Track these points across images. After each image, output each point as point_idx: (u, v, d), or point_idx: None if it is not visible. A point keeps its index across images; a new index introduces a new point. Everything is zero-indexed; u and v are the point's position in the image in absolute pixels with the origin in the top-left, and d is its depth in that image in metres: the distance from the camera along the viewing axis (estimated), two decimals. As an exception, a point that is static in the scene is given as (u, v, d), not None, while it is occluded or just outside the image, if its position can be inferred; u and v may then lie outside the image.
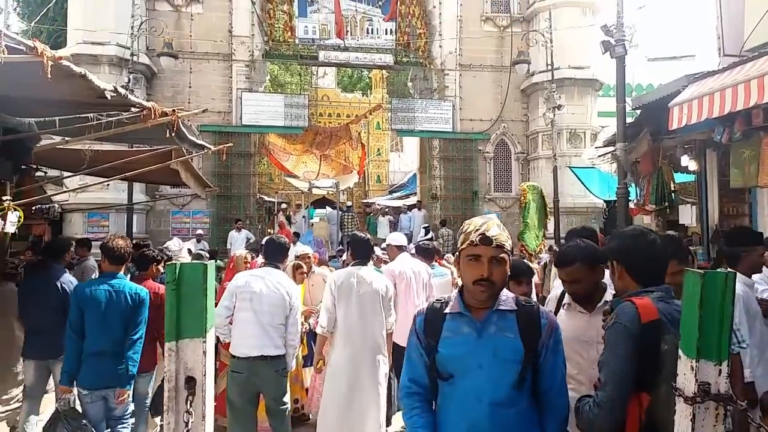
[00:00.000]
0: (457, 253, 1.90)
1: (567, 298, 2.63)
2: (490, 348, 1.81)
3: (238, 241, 12.69)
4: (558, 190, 13.19)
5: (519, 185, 14.34)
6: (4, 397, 4.82)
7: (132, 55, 12.23)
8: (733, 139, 6.44)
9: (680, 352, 1.53)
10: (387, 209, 18.51)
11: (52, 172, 8.99)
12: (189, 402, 1.28)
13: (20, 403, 4.72)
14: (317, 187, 21.18)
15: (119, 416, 3.78)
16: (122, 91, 4.16)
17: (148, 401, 4.23)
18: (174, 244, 10.16)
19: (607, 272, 2.41)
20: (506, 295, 1.89)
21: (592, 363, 2.31)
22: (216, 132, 14.28)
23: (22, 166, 6.67)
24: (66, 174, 8.95)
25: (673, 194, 8.84)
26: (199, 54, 14.65)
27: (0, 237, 5.73)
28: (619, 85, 8.98)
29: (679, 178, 9.31)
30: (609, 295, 2.48)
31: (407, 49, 15.89)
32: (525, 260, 6.52)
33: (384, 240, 9.97)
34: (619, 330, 1.83)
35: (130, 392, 3.77)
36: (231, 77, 14.85)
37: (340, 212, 16.92)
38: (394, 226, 15.89)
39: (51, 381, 4.58)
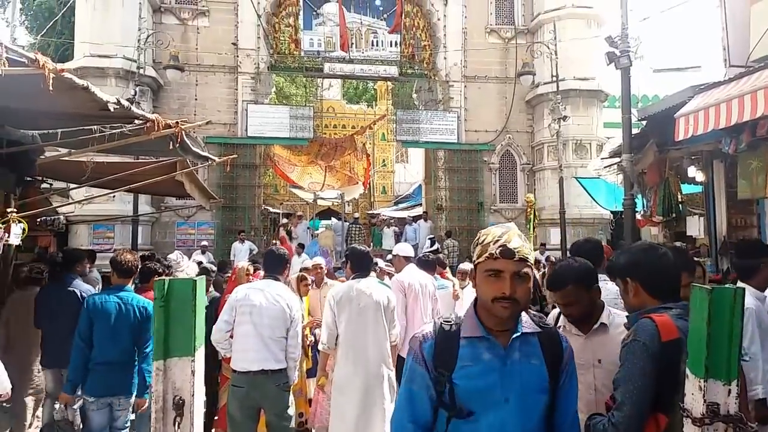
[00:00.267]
0: (472, 267, 1.69)
1: (562, 320, 2.51)
2: (516, 378, 1.58)
3: (241, 253, 12.67)
4: (564, 201, 13.12)
5: (525, 196, 14.29)
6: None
7: (138, 67, 12.31)
8: (739, 150, 6.38)
9: (687, 371, 1.48)
10: (392, 220, 18.47)
11: (59, 184, 9.01)
12: (177, 423, 1.23)
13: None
14: (322, 198, 21.20)
15: (120, 428, 3.86)
16: (125, 103, 4.17)
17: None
18: (174, 256, 10.15)
19: (605, 290, 2.35)
20: (524, 315, 1.68)
21: (589, 387, 2.25)
22: (221, 144, 14.34)
23: (27, 178, 6.70)
24: (72, 186, 8.97)
25: (680, 205, 8.76)
26: (205, 66, 14.75)
27: (4, 249, 5.75)
28: (624, 96, 8.95)
29: (687, 189, 9.24)
30: (606, 315, 2.38)
31: (412, 60, 15.94)
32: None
33: (389, 251, 9.97)
34: (638, 348, 1.77)
35: (149, 401, 3.80)
36: (237, 89, 14.93)
37: (346, 223, 16.87)
38: (399, 238, 15.83)
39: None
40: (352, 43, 15.43)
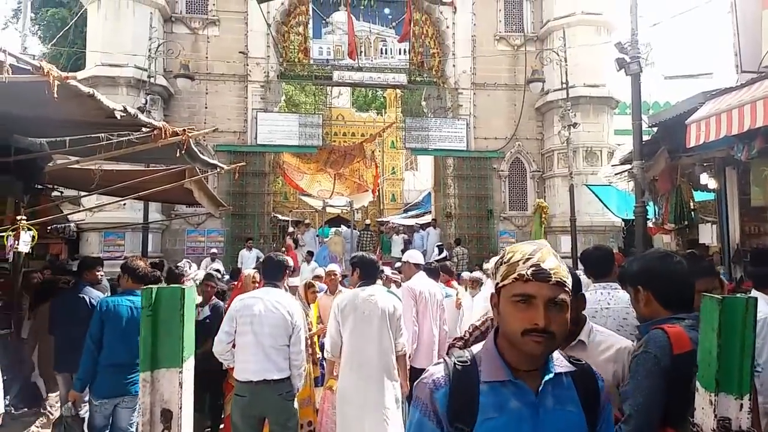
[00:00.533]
0: (493, 292, 1.42)
1: None
2: (551, 430, 1.34)
3: (248, 260, 12.68)
4: (575, 209, 13.01)
5: (535, 200, 14.20)
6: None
7: (149, 76, 12.42)
8: (752, 157, 6.28)
9: (697, 384, 1.42)
10: (401, 228, 18.42)
11: (70, 192, 9.08)
12: (165, 437, 1.20)
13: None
14: (331, 206, 21.21)
15: (124, 428, 3.92)
16: (132, 110, 4.18)
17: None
18: (182, 264, 10.18)
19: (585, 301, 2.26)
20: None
21: None
22: (231, 152, 14.42)
23: (38, 186, 6.76)
24: (82, 193, 9.04)
25: (692, 213, 8.64)
26: (215, 75, 14.86)
27: (14, 256, 5.79)
28: (634, 103, 8.88)
29: (699, 196, 9.11)
30: (586, 331, 2.20)
31: (421, 68, 15.94)
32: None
33: (399, 259, 9.92)
34: (648, 360, 1.72)
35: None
36: (246, 98, 15.00)
37: (356, 231, 16.82)
38: (408, 245, 15.78)
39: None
40: (361, 51, 15.48)
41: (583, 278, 4.85)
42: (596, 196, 13.74)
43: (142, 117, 4.56)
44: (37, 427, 5.74)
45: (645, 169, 8.51)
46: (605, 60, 13.11)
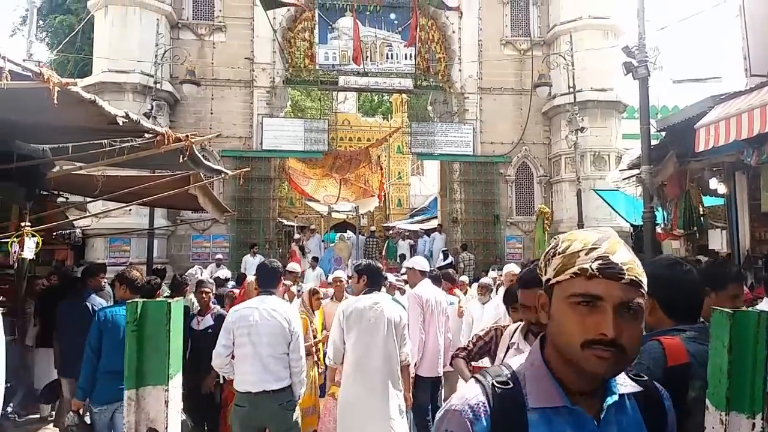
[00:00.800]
0: (541, 287, 1.14)
1: (516, 337, 2.20)
2: None
3: (252, 266, 12.61)
4: (582, 214, 12.90)
5: (539, 205, 14.13)
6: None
7: (155, 82, 12.46)
8: (762, 161, 6.19)
9: (708, 402, 1.36)
10: (407, 233, 18.37)
11: (76, 198, 9.10)
12: (151, 456, 1.16)
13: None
14: (337, 211, 21.20)
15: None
16: (134, 116, 4.17)
17: None
18: (193, 270, 10.20)
19: None
20: None
21: None
22: (237, 157, 14.45)
23: (42, 192, 6.77)
24: (88, 199, 9.06)
25: (701, 218, 8.54)
26: (221, 81, 14.90)
27: (18, 262, 5.79)
28: (642, 107, 8.79)
29: (708, 201, 9.01)
30: None
31: (427, 73, 15.92)
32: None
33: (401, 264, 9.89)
34: (641, 372, 1.66)
35: None
36: (252, 103, 15.04)
37: (362, 237, 16.78)
38: (413, 251, 15.72)
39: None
40: (367, 57, 15.48)
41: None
42: (604, 200, 13.63)
43: (145, 123, 4.55)
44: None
45: (653, 174, 8.42)
46: (613, 64, 13.04)
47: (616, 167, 13.86)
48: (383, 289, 4.60)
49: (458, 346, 5.87)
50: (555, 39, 15.74)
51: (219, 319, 5.00)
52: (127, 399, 1.18)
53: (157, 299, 1.27)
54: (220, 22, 15.01)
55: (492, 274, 10.99)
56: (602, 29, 15.26)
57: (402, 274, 9.31)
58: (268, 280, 3.94)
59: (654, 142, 8.65)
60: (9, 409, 5.69)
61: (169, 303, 1.19)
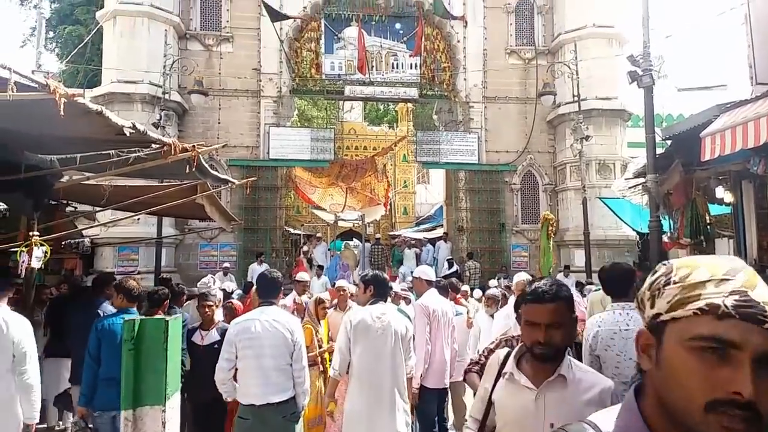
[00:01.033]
0: (642, 328, 0.91)
1: (510, 366, 1.94)
2: None
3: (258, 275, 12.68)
4: (588, 222, 12.87)
5: (543, 213, 14.11)
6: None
7: (164, 93, 12.58)
8: (768, 170, 6.16)
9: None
10: (413, 241, 18.37)
11: (84, 207, 9.17)
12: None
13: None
14: (343, 220, 21.23)
15: None
16: (141, 127, 4.21)
17: None
18: (206, 279, 10.16)
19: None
20: None
21: None
22: (244, 166, 14.54)
23: (52, 202, 6.83)
24: (97, 209, 9.13)
25: (708, 227, 8.48)
26: (229, 91, 15.02)
27: (27, 272, 5.83)
28: (647, 116, 8.78)
29: (715, 210, 8.96)
30: (566, 365, 1.87)
31: (432, 82, 15.99)
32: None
33: (410, 273, 9.86)
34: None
35: None
36: (259, 113, 15.14)
37: (367, 244, 16.77)
38: (419, 259, 15.71)
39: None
40: (372, 66, 15.56)
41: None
42: (610, 208, 13.59)
43: (152, 133, 4.59)
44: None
45: (659, 182, 8.38)
46: (617, 72, 13.04)
47: (621, 176, 13.81)
48: (388, 299, 4.60)
49: (465, 357, 5.86)
50: (559, 48, 15.78)
51: (225, 334, 4.97)
52: (124, 420, 1.18)
53: (156, 317, 1.27)
54: (228, 32, 15.15)
55: (492, 282, 10.94)
56: (607, 38, 15.28)
57: (406, 283, 9.32)
58: (269, 291, 3.91)
59: (659, 150, 8.63)
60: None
61: (167, 321, 1.19)
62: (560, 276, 12.49)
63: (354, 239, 19.95)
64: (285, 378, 3.66)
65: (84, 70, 18.47)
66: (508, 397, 1.91)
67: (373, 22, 15.76)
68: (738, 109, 5.63)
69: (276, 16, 14.36)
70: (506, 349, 2.07)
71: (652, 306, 0.89)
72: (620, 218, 13.57)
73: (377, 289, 4.05)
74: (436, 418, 5.04)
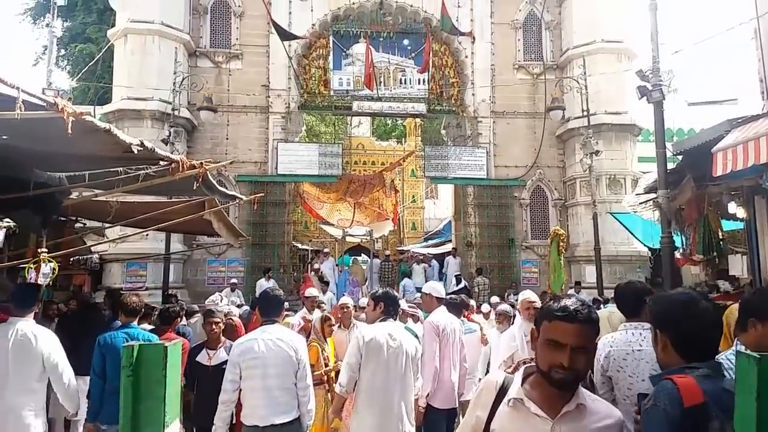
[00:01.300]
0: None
1: (517, 392, 1.77)
2: None
3: (265, 291, 12.62)
4: (599, 238, 12.73)
5: (553, 228, 13.99)
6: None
7: (173, 109, 12.68)
8: (782, 186, 6.06)
9: (735, 451, 1.29)
10: (421, 257, 18.29)
11: (93, 224, 9.21)
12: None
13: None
14: (351, 235, 21.21)
15: None
16: (149, 145, 4.22)
17: None
18: (215, 297, 10.15)
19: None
20: None
21: None
22: (252, 182, 14.57)
23: (60, 218, 6.85)
24: (106, 225, 9.16)
25: (721, 243, 8.36)
26: (238, 107, 15.12)
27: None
28: (657, 131, 8.71)
29: (727, 225, 8.83)
30: (583, 395, 1.77)
31: (440, 97, 16.02)
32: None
33: (419, 288, 9.77)
34: (658, 415, 1.58)
35: None
36: (268, 129, 15.21)
37: (377, 260, 16.70)
38: (427, 274, 15.61)
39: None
40: (380, 82, 15.63)
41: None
42: (621, 224, 13.45)
43: (160, 151, 4.60)
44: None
45: (671, 198, 8.29)
46: (627, 87, 13.00)
47: (632, 191, 13.71)
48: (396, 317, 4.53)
49: (475, 374, 5.75)
50: (568, 63, 15.78)
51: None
52: (122, 449, 1.14)
53: (155, 342, 1.24)
54: (237, 50, 15.29)
55: (494, 299, 10.79)
56: (615, 53, 15.26)
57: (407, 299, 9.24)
58: (271, 309, 3.86)
59: (671, 165, 8.55)
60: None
61: (166, 346, 1.15)
62: (571, 292, 12.33)
63: (362, 254, 19.90)
64: (290, 397, 3.60)
65: (95, 87, 18.71)
66: (514, 428, 1.74)
67: (381, 39, 15.86)
68: (750, 124, 5.56)
69: (285, 35, 14.49)
70: (497, 376, 1.89)
71: None
72: (632, 233, 13.41)
73: (387, 307, 4.01)
74: (444, 440, 4.92)
